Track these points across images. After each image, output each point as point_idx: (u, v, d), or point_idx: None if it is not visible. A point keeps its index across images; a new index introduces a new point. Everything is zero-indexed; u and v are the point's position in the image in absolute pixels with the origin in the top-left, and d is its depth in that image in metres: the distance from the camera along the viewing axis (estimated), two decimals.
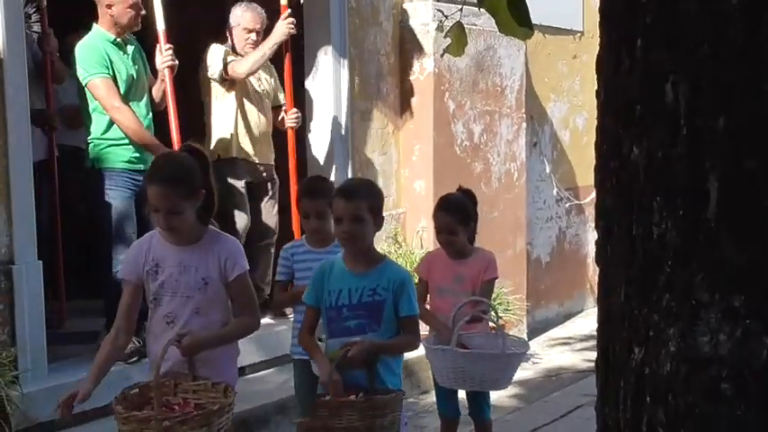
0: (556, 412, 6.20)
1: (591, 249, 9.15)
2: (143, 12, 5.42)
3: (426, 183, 7.27)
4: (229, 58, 6.06)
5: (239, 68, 6.03)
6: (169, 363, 3.39)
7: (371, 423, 3.39)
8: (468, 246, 4.74)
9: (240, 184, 6.23)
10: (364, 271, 3.65)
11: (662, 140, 1.41)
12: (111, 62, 5.28)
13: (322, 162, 6.86)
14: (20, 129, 5.13)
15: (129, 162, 5.29)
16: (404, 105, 7.36)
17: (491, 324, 4.71)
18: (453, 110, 7.41)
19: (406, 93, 7.37)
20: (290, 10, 6.04)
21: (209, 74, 6.11)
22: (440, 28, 7.07)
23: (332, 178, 6.70)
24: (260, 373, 5.88)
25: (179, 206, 3.40)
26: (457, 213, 4.68)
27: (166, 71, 5.50)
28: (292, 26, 6.04)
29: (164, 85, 5.57)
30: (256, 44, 6.09)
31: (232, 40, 6.22)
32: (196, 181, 3.48)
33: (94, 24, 5.41)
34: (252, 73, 6.11)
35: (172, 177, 3.43)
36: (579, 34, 8.92)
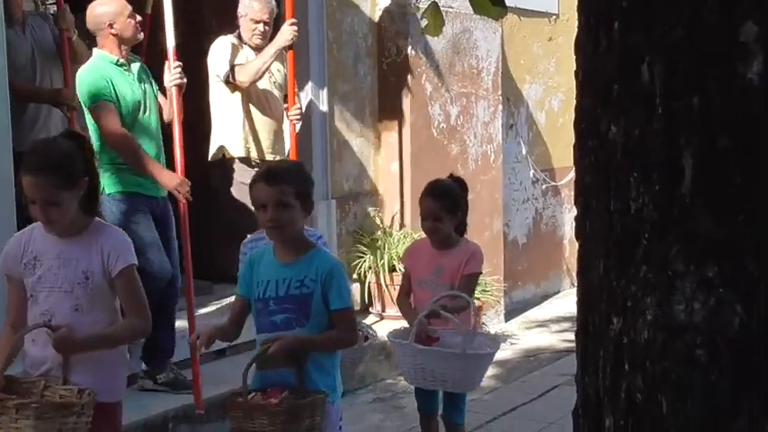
0: (534, 392, 6.28)
1: (567, 230, 9.23)
2: (140, 19, 5.30)
3: (401, 164, 7.31)
4: (236, 61, 5.95)
5: (242, 78, 5.95)
6: (47, 365, 3.19)
7: (283, 428, 3.17)
8: (454, 236, 4.50)
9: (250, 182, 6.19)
10: (292, 260, 3.41)
11: (638, 119, 1.43)
12: (114, 85, 5.14)
13: (300, 144, 6.79)
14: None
15: (140, 186, 5.20)
16: (381, 87, 7.38)
17: (470, 320, 4.41)
18: (430, 92, 7.44)
19: (383, 75, 7.39)
20: (294, 19, 5.94)
21: (215, 73, 6.03)
22: (416, 8, 7.09)
23: (310, 161, 6.71)
24: (241, 355, 5.90)
25: (57, 197, 3.11)
26: (444, 200, 4.43)
27: (174, 89, 5.33)
28: (296, 31, 5.94)
29: (172, 104, 5.40)
30: (264, 35, 6.00)
31: (239, 30, 6.10)
32: (76, 169, 3.17)
33: (95, 49, 5.29)
34: (256, 80, 5.99)
35: (47, 166, 3.12)
36: (554, 17, 8.95)
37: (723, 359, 1.31)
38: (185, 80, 5.43)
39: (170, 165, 5.37)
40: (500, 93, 8.09)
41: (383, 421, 5.67)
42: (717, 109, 1.35)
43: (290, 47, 5.96)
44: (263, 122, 6.16)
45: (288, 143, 6.24)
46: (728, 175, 1.34)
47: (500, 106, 8.09)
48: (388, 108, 7.35)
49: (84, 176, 3.19)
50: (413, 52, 7.25)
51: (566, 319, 8.12)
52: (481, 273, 4.63)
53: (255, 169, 6.08)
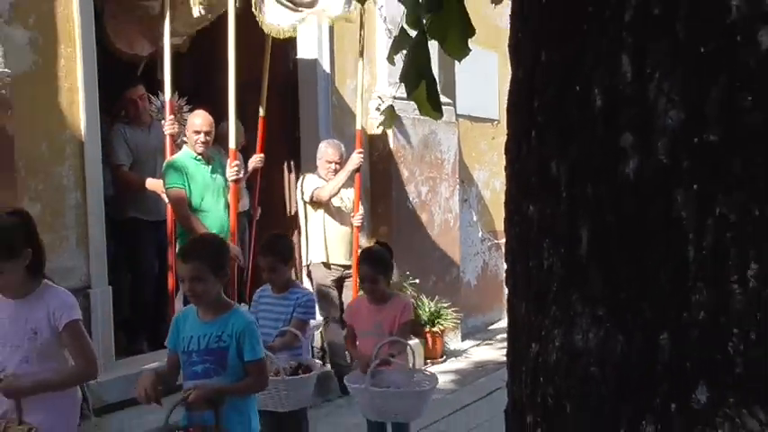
0: (482, 392, 6.26)
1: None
2: (206, 139, 5.15)
3: (388, 228, 7.29)
4: (315, 185, 5.90)
5: (322, 194, 5.89)
6: (3, 408, 2.84)
7: None
8: (387, 292, 4.11)
9: (328, 283, 6.01)
10: (212, 319, 3.03)
11: (549, 203, 1.44)
12: (187, 175, 5.04)
13: None
14: (95, 185, 5.14)
15: None
16: (372, 173, 7.40)
17: (407, 361, 4.03)
18: (407, 176, 7.48)
19: (373, 164, 7.42)
20: (361, 149, 6.03)
21: (302, 197, 5.99)
22: (378, 109, 7.14)
23: None
24: None
25: (1, 267, 2.78)
26: (378, 265, 4.04)
27: (231, 183, 5.23)
28: (362, 158, 5.98)
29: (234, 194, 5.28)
30: (336, 172, 5.96)
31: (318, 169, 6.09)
32: (17, 242, 2.81)
33: (184, 145, 5.27)
34: (332, 196, 5.92)
35: None
36: (496, 122, 9.02)
37: (608, 375, 1.30)
38: (242, 175, 5.39)
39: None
40: (457, 176, 8.13)
41: None
42: (605, 196, 1.35)
43: (357, 170, 5.99)
44: (336, 236, 6.02)
45: (353, 243, 6.09)
46: (612, 242, 1.34)
47: (457, 186, 8.14)
48: (377, 187, 7.36)
49: (26, 247, 2.83)
50: (394, 147, 7.30)
51: (505, 339, 8.06)
52: (413, 319, 4.21)
53: (333, 272, 6.04)
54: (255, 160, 6.09)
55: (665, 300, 1.24)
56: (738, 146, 1.24)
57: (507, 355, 1.62)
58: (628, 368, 1.27)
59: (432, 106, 2.12)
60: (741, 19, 1.25)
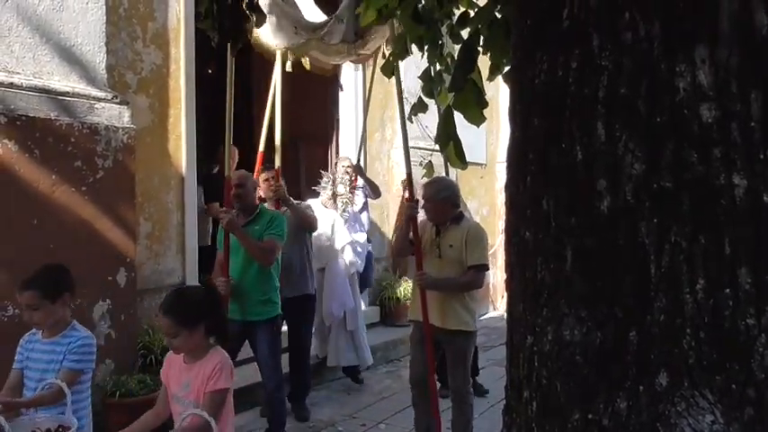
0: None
1: (491, 279, 9.09)
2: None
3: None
4: None
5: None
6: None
7: None
8: (203, 346, 2.29)
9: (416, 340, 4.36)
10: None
11: (540, 229, 1.41)
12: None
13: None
14: (191, 208, 5.13)
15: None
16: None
17: None
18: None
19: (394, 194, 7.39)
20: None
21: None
22: (420, 164, 7.13)
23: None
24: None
25: None
26: (176, 315, 2.22)
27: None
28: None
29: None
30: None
31: None
32: None
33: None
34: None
35: None
36: (484, 165, 8.99)
37: (590, 362, 1.27)
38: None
39: None
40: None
41: None
42: (585, 225, 1.32)
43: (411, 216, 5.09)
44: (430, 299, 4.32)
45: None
46: (591, 260, 1.31)
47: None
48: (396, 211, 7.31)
49: None
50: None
51: (489, 328, 7.94)
52: (228, 388, 2.25)
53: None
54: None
55: (633, 305, 1.21)
56: (686, 190, 1.23)
57: (507, 344, 1.57)
58: (605, 357, 1.24)
59: (459, 159, 2.12)
60: (687, 98, 1.24)
